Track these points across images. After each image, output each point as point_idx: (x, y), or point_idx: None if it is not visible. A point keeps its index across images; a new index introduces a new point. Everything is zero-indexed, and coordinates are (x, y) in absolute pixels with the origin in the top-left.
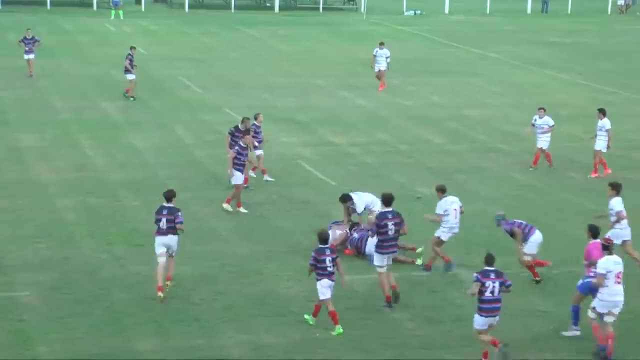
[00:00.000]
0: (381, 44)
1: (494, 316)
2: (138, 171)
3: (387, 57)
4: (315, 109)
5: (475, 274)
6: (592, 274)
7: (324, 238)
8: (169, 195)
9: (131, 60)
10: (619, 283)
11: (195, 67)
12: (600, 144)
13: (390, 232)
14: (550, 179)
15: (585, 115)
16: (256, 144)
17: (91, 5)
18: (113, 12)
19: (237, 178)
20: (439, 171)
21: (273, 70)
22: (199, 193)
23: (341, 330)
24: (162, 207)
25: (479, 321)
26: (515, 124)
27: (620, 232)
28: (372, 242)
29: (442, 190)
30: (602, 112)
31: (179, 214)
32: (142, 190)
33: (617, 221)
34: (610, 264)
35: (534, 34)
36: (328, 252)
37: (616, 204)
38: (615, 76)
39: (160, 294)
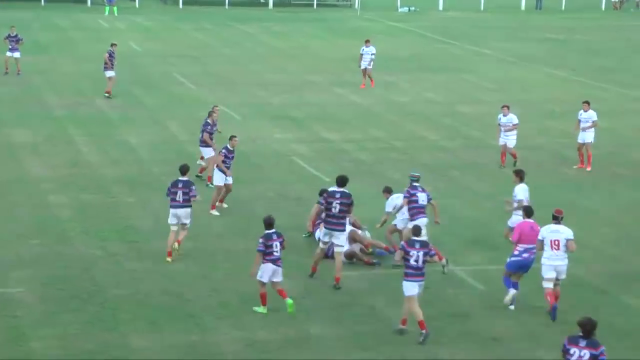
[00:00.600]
0: (367, 41)
1: (418, 282)
2: (132, 167)
3: (372, 55)
4: (310, 106)
5: (402, 243)
6: (516, 253)
7: (269, 223)
8: (184, 169)
9: (110, 56)
10: (556, 249)
11: (189, 63)
12: (590, 135)
13: (334, 210)
14: (543, 175)
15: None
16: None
17: (85, 1)
18: (107, 8)
19: (219, 179)
20: (433, 167)
21: (267, 66)
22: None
23: (291, 301)
24: (178, 181)
25: (407, 286)
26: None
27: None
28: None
29: (388, 191)
30: (588, 104)
31: (193, 187)
32: (136, 187)
33: (517, 208)
34: (547, 232)
35: (528, 30)
36: (275, 237)
37: (520, 191)
38: (609, 72)
39: (168, 259)
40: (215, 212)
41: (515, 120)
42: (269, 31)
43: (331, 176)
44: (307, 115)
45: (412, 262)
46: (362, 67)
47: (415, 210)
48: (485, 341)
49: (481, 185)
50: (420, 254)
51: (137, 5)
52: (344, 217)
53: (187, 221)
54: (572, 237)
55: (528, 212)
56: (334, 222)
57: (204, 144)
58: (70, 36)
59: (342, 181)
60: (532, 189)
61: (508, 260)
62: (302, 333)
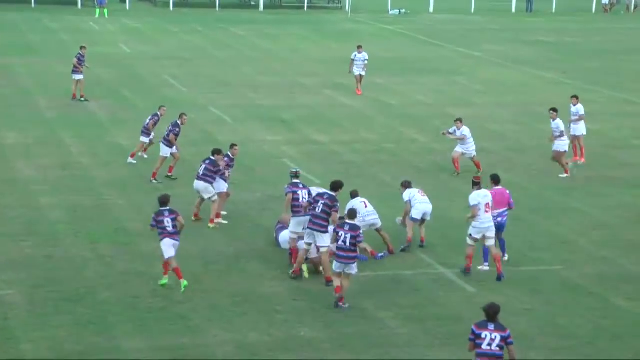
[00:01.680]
0: (359, 47)
1: (346, 263)
2: (123, 170)
3: (364, 61)
4: (300, 108)
5: (333, 227)
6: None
7: (163, 201)
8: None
9: (79, 60)
10: (487, 212)
11: (180, 65)
12: (581, 128)
13: (317, 210)
14: (534, 177)
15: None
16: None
17: (76, 3)
18: (98, 10)
19: (222, 186)
20: (423, 170)
21: (258, 69)
22: (184, 191)
23: (186, 283)
24: (162, 211)
25: (335, 264)
26: (500, 122)
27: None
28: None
29: (405, 186)
30: (577, 98)
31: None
32: (127, 189)
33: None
34: (480, 197)
35: (518, 32)
36: (167, 213)
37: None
38: (599, 75)
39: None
40: (222, 221)
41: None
42: (260, 33)
43: (321, 178)
44: (298, 118)
45: (340, 242)
46: (356, 73)
47: (296, 208)
48: None
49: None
50: (348, 236)
51: (127, 8)
52: (326, 219)
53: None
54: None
55: (495, 180)
56: (317, 223)
57: (168, 142)
58: (61, 38)
59: (334, 186)
60: (521, 190)
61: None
62: (292, 335)
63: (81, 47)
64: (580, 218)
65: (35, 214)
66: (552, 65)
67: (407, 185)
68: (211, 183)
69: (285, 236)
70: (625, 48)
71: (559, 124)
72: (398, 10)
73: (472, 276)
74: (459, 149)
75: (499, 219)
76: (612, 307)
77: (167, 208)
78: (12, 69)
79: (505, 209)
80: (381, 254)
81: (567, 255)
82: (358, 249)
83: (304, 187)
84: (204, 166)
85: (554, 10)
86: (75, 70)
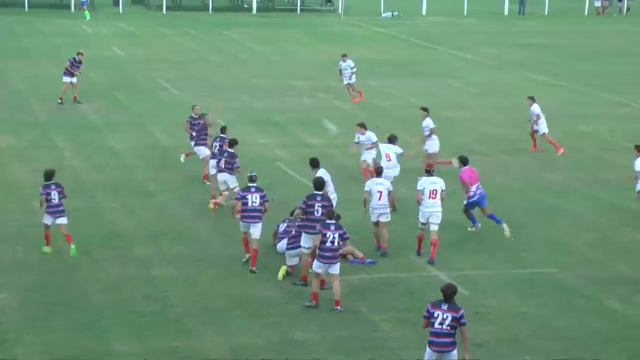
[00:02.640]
0: (344, 55)
1: (331, 264)
2: (116, 173)
3: (352, 68)
4: (293, 111)
5: (317, 226)
6: (471, 194)
7: (48, 175)
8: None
9: (73, 64)
10: (432, 198)
11: (173, 68)
12: (543, 126)
13: (316, 213)
14: (527, 180)
15: (562, 116)
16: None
17: (69, 7)
18: (87, 13)
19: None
20: (417, 173)
21: (251, 71)
22: (177, 194)
23: (74, 246)
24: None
25: (316, 264)
26: (493, 125)
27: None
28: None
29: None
30: (532, 99)
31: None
32: (120, 192)
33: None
34: (426, 183)
35: (510, 35)
36: (53, 187)
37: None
38: (592, 77)
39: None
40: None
41: (374, 139)
42: (253, 36)
43: None
44: (290, 120)
45: (328, 243)
46: (345, 82)
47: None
48: (469, 347)
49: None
50: (336, 235)
51: (120, 11)
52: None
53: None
54: (444, 188)
55: (464, 160)
56: (314, 226)
57: (199, 142)
58: (54, 41)
59: (319, 184)
60: (515, 193)
61: (467, 201)
62: (286, 338)
63: (78, 53)
64: (572, 220)
65: (27, 217)
66: (544, 67)
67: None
68: (232, 174)
69: (285, 245)
70: (617, 50)
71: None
72: (391, 13)
73: (466, 279)
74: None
75: (479, 192)
76: (606, 310)
77: (53, 182)
78: (5, 72)
79: (478, 183)
80: (370, 261)
81: (561, 258)
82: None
83: (257, 189)
84: (223, 159)
85: (546, 13)
86: (67, 73)
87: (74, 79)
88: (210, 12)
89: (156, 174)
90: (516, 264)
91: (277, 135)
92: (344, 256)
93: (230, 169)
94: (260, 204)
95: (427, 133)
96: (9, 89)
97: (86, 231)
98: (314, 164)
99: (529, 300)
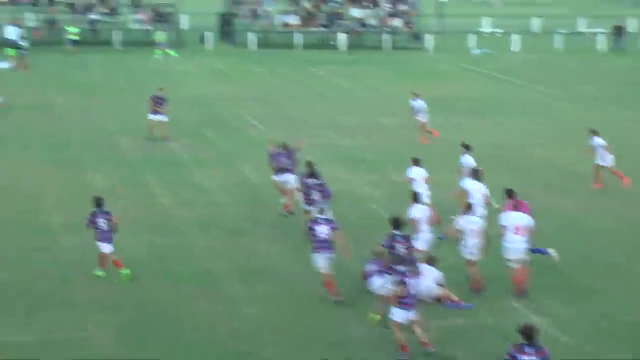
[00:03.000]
0: (415, 94)
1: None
2: (205, 210)
3: (423, 108)
4: (380, 148)
5: (401, 268)
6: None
7: (97, 203)
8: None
9: (156, 101)
10: (517, 234)
11: (261, 105)
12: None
13: (397, 252)
14: (623, 220)
15: None
16: None
17: (157, 45)
18: (159, 51)
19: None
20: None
21: (337, 108)
22: (267, 231)
23: (126, 271)
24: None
25: (397, 312)
26: (587, 165)
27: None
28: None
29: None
30: (594, 132)
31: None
32: (209, 229)
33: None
34: (510, 218)
35: (604, 72)
36: (101, 214)
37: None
38: None
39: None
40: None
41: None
42: (340, 73)
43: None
44: (378, 157)
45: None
46: (419, 121)
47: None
48: None
49: (560, 232)
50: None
51: (209, 48)
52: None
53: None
54: (531, 224)
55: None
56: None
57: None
58: (144, 79)
59: (398, 223)
60: (609, 233)
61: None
62: None
63: (158, 89)
64: None
65: (118, 254)
66: (637, 104)
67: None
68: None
69: (377, 282)
70: None
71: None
72: (480, 50)
73: (568, 325)
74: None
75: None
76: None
77: (102, 209)
78: (95, 109)
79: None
80: (466, 305)
81: None
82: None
83: (326, 222)
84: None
85: None
86: (153, 111)
87: (161, 117)
88: (299, 49)
89: (246, 211)
90: (615, 309)
91: (365, 172)
92: (438, 300)
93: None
94: (329, 234)
95: (464, 170)
96: (99, 126)
97: (176, 268)
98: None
99: (628, 348)
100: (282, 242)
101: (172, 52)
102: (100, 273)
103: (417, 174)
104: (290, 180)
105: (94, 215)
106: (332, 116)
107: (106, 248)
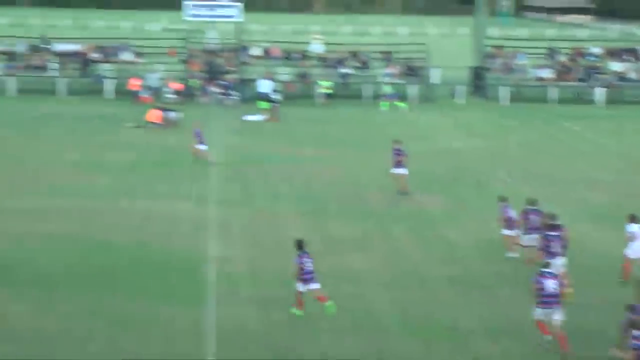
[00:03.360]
0: None
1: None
2: (455, 266)
3: None
4: (637, 206)
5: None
6: None
7: (299, 245)
8: None
9: (396, 154)
10: None
11: (513, 160)
12: None
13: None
14: None
15: None
16: None
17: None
18: (386, 104)
19: None
20: None
21: (591, 164)
22: (520, 289)
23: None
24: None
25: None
26: None
27: None
28: None
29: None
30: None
31: None
32: (459, 285)
33: None
34: None
35: None
36: (306, 256)
37: None
38: None
39: None
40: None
41: None
42: (596, 128)
43: None
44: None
45: None
46: None
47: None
48: None
49: None
50: None
51: (459, 102)
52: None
53: None
54: None
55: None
56: None
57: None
58: (389, 131)
59: None
60: None
61: None
62: None
63: (396, 141)
64: None
65: (364, 307)
66: None
67: None
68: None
69: None
70: None
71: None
72: None
73: None
74: None
75: None
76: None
77: (305, 251)
78: (343, 161)
79: None
80: None
81: None
82: None
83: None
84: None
85: None
86: (396, 164)
87: (402, 170)
88: (553, 103)
89: (496, 267)
90: None
91: (622, 231)
92: None
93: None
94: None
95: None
96: (346, 178)
97: (425, 323)
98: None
99: None
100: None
101: (401, 104)
102: (299, 312)
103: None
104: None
105: (300, 257)
106: (586, 172)
107: (313, 286)
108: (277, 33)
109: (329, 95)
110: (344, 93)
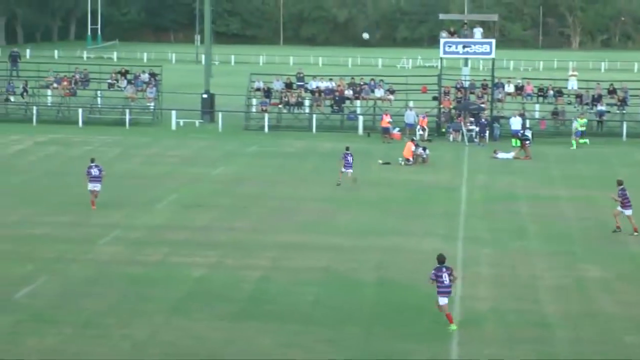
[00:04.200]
0: None
1: None
2: None
3: None
4: None
5: None
6: None
7: (441, 260)
8: None
9: (622, 196)
10: None
11: None
12: None
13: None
14: None
15: None
16: None
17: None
18: (574, 142)
19: None
20: None
21: None
22: None
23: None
24: None
25: None
26: None
27: None
28: None
29: None
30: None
31: None
32: None
33: None
34: None
35: None
36: (444, 269)
37: None
38: None
39: None
40: None
41: None
42: None
43: None
44: None
45: None
46: None
47: None
48: None
49: None
50: None
51: None
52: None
53: None
54: None
55: None
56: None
57: None
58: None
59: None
60: None
61: None
62: None
63: (620, 187)
64: None
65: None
66: None
67: None
68: None
69: None
70: None
71: None
72: None
73: None
74: None
75: None
76: None
77: (444, 265)
78: (596, 201)
79: None
80: None
81: None
82: None
83: None
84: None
85: None
86: (622, 205)
87: (628, 211)
88: None
89: None
90: None
91: None
92: None
93: None
94: None
95: None
96: (606, 220)
97: None
98: None
99: None
100: None
101: (583, 141)
102: (454, 327)
103: None
104: None
105: (438, 270)
106: None
107: (442, 301)
108: (530, 69)
109: (582, 133)
110: (599, 131)
